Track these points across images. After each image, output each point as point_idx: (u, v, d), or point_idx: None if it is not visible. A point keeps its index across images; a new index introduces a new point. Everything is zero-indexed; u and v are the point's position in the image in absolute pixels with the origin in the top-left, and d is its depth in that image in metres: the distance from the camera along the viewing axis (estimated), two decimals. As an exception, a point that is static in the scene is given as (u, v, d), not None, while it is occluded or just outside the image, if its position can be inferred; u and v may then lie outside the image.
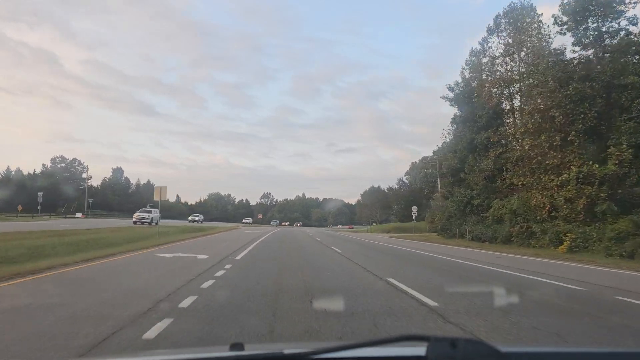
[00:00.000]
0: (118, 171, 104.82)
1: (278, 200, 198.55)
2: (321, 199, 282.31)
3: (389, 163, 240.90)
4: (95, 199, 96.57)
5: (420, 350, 1.31)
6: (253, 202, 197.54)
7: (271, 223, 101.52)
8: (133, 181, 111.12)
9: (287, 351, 1.45)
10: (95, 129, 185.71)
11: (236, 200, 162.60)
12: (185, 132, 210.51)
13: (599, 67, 24.33)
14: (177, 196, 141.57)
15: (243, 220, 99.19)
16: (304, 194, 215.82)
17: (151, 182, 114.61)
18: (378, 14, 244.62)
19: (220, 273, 9.94)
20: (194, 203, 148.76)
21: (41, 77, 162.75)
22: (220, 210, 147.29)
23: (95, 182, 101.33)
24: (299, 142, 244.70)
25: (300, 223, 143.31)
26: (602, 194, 21.80)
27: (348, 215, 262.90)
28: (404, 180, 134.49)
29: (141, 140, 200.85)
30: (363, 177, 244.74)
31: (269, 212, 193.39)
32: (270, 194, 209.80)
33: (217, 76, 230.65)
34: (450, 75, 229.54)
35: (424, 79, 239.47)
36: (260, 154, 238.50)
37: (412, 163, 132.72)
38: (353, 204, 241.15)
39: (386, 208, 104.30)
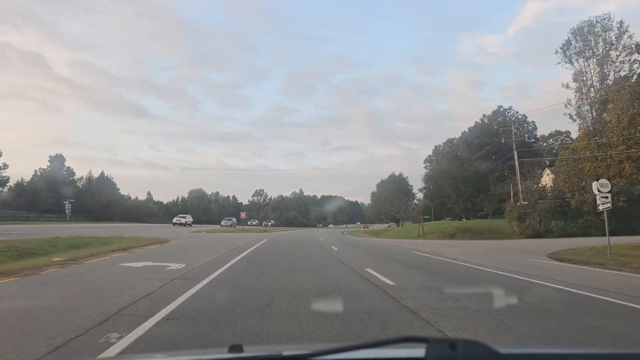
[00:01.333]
0: (57, 160, 78.54)
1: (272, 197, 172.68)
2: (319, 196, 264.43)
3: (383, 160, 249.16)
4: (22, 197, 70.93)
5: (419, 351, 1.29)
6: (245, 201, 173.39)
7: (223, 224, 64.61)
8: (82, 174, 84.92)
9: (286, 353, 1.43)
10: (87, 132, 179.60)
11: (222, 198, 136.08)
12: (178, 134, 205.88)
13: None
14: (149, 193, 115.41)
15: (174, 220, 62.47)
16: (301, 190, 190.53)
17: (106, 175, 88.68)
18: (370, 9, 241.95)
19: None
20: (171, 201, 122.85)
21: (30, 80, 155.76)
22: (202, 209, 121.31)
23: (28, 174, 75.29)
24: (292, 141, 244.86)
25: (272, 222, 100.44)
26: None
27: (349, 214, 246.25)
28: (424, 168, 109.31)
29: (134, 142, 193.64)
30: (359, 175, 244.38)
31: (261, 210, 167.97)
32: (263, 190, 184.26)
33: (209, 76, 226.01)
34: (444, 70, 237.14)
35: (417, 75, 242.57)
36: (254, 153, 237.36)
37: (435, 146, 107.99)
38: (353, 201, 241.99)
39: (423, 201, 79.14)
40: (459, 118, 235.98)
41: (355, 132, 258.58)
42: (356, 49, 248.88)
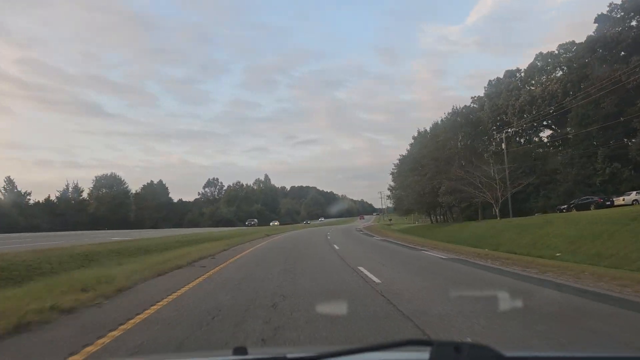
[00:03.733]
0: None
1: (229, 185, 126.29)
2: (288, 187, 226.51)
3: (348, 153, 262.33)
4: None
5: (424, 354, 1.27)
6: (195, 195, 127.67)
7: None
8: None
9: (290, 355, 1.44)
10: (41, 134, 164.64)
11: (147, 188, 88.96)
12: (138, 133, 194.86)
13: None
14: (8, 181, 68.19)
15: None
16: (267, 177, 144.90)
17: None
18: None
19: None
20: (59, 194, 76.12)
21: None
22: (113, 207, 75.58)
23: None
24: (256, 136, 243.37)
25: None
26: None
27: (325, 206, 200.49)
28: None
29: (91, 143, 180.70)
30: (328, 168, 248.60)
31: (213, 205, 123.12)
32: (217, 180, 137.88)
33: (166, 71, 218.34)
34: (407, 60, 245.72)
35: (380, 65, 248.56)
36: (217, 151, 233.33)
37: (490, 81, 66.45)
38: (328, 191, 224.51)
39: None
40: (424, 108, 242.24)
41: (320, 125, 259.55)
42: (318, 40, 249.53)
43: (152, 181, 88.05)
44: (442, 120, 46.87)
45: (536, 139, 60.90)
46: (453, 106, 58.94)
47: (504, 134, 49.13)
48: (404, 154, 60.20)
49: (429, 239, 30.83)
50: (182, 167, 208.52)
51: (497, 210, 36.86)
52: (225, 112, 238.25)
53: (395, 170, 65.01)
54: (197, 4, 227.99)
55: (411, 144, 55.22)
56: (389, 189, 66.52)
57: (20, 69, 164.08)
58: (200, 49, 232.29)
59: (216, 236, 32.31)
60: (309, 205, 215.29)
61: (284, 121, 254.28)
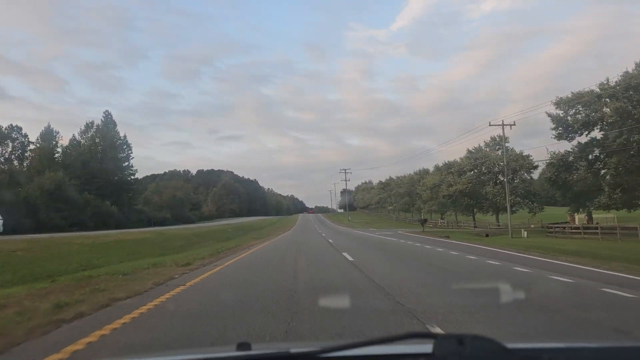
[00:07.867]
0: None
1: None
2: (194, 171, 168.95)
3: (275, 151, 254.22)
4: None
5: (427, 347, 1.30)
6: None
7: None
8: None
9: (294, 350, 1.46)
10: None
11: None
12: (44, 120, 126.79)
13: None
14: None
15: None
16: (108, 115, 77.98)
17: None
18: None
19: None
20: None
21: None
22: None
23: None
24: (177, 130, 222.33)
25: None
26: None
27: (244, 197, 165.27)
28: None
29: None
30: (251, 165, 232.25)
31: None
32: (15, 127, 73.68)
33: (78, 54, 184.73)
34: (335, 58, 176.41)
35: (309, 62, 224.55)
36: (134, 143, 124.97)
37: None
38: (252, 179, 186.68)
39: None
40: (351, 109, 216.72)
41: (245, 121, 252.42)
42: (245, 31, 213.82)
43: None
44: None
45: None
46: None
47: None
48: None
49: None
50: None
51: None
52: (143, 102, 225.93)
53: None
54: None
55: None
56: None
57: None
58: (117, 31, 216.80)
59: None
60: (219, 196, 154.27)
61: (207, 115, 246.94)
